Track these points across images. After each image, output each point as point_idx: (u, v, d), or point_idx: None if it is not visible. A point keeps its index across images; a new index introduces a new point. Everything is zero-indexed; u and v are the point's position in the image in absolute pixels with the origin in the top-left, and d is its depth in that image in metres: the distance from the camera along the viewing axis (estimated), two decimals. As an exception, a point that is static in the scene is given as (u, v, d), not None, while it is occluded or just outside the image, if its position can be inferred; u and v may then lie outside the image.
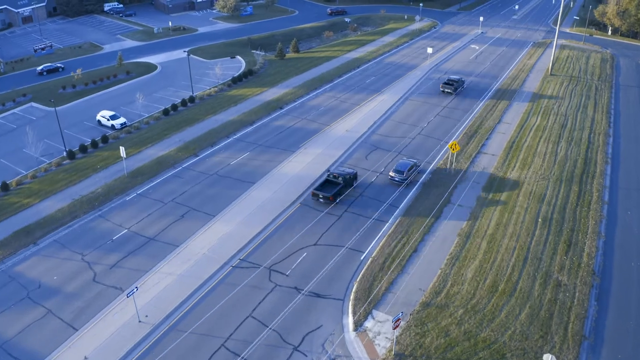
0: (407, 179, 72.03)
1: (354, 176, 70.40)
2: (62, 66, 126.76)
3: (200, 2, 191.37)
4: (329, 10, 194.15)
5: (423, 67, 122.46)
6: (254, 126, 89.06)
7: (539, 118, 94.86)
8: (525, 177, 73.81)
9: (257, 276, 54.40)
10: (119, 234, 61.35)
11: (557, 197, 69.40)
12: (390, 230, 61.58)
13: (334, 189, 66.92)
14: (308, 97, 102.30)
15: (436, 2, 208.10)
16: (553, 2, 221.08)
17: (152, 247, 58.63)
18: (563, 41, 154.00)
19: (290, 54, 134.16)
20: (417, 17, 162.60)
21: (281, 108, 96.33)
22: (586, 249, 59.76)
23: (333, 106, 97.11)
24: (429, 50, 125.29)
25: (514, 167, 76.89)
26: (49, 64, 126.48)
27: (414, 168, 73.70)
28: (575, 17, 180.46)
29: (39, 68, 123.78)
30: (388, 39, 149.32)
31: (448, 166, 74.31)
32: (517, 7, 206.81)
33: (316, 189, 67.27)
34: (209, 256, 57.00)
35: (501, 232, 61.69)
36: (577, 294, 53.17)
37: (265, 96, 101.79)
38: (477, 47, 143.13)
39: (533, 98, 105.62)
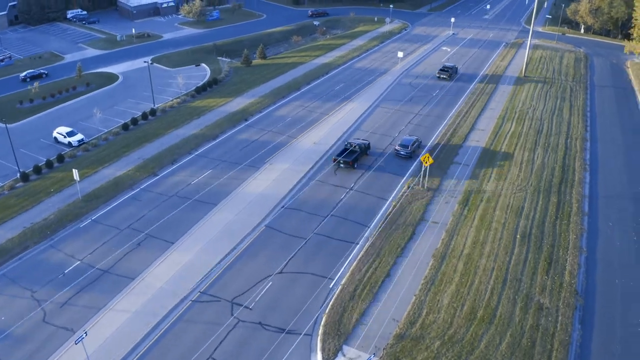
0: (411, 152, 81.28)
1: (368, 145, 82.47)
2: (46, 72, 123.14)
3: (165, 7, 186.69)
4: (309, 12, 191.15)
5: (394, 71, 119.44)
6: (218, 140, 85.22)
7: (514, 124, 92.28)
8: (502, 189, 70.87)
9: (219, 311, 50.64)
10: (71, 266, 57.23)
11: (536, 210, 66.53)
12: (360, 254, 58.21)
13: (353, 155, 77.34)
14: (275, 106, 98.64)
15: (406, 3, 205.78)
16: (526, 1, 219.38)
17: (106, 281, 54.66)
18: (536, 41, 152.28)
19: (257, 61, 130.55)
20: (387, 20, 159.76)
21: (246, 120, 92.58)
22: (568, 267, 57.07)
23: (301, 116, 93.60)
24: (400, 54, 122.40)
25: (490, 177, 73.96)
26: (32, 70, 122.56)
27: (417, 143, 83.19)
28: (547, 15, 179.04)
29: (22, 74, 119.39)
30: (358, 42, 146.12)
31: (421, 180, 70.32)
32: (488, 6, 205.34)
33: (337, 155, 78.47)
34: (166, 290, 53.13)
35: (478, 251, 58.63)
36: (560, 318, 50.40)
37: (230, 107, 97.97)
38: (449, 50, 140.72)
39: (507, 102, 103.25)
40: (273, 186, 71.44)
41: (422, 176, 72.03)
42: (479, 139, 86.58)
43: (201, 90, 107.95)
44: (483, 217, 64.87)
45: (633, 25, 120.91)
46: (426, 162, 69.50)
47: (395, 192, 71.23)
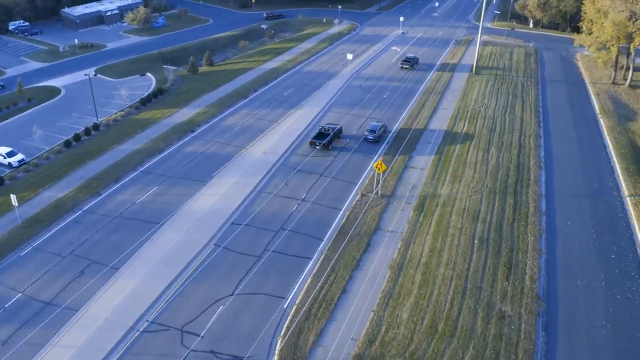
0: (379, 137, 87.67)
1: (340, 129, 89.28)
2: (2, 84, 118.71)
3: (110, 15, 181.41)
4: (265, 15, 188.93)
5: (343, 74, 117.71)
6: (163, 155, 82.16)
7: (467, 123, 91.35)
8: (457, 192, 69.58)
9: (168, 341, 48.00)
10: (12, 299, 53.72)
11: (492, 213, 65.34)
12: (315, 269, 56.20)
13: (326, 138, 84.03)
14: (222, 116, 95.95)
15: (355, 3, 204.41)
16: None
17: (49, 314, 51.53)
18: (485, 37, 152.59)
19: (204, 68, 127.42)
20: (336, 21, 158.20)
21: (193, 131, 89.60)
22: (528, 271, 55.89)
23: (249, 125, 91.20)
24: (349, 56, 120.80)
25: (445, 181, 72.66)
26: None
27: (383, 129, 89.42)
28: (496, 11, 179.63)
29: None
30: (306, 45, 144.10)
31: (375, 188, 68.43)
32: (437, 4, 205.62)
33: (313, 138, 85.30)
34: (112, 321, 50.13)
35: (436, 259, 57.05)
36: (523, 326, 49.15)
37: (176, 118, 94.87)
38: (399, 49, 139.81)
39: (459, 101, 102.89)
40: (222, 201, 68.67)
41: (375, 183, 69.67)
42: (431, 140, 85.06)
43: (146, 102, 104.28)
44: (439, 223, 63.28)
45: (582, 18, 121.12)
46: (379, 169, 67.46)
47: (348, 201, 69.47)
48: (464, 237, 61.20)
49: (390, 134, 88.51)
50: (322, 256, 58.56)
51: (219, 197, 70.09)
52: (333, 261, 57.43)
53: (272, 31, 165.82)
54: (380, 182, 70.14)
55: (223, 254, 59.26)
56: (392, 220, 64.39)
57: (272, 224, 64.37)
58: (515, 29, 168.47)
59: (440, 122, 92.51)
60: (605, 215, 67.35)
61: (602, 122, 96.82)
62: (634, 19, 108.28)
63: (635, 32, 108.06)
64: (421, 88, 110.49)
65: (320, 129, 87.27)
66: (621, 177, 77.22)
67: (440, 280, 54.58)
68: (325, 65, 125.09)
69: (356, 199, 69.27)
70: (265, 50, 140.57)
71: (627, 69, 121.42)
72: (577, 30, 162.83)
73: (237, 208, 67.71)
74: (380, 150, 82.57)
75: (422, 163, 78.09)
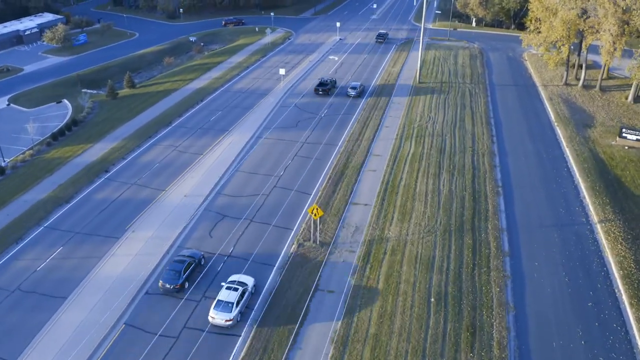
0: (362, 92, 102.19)
1: (335, 81, 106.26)
2: None
3: (28, 34, 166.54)
4: (223, 22, 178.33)
5: (277, 91, 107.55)
6: (72, 204, 70.99)
7: (413, 143, 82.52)
8: (408, 233, 60.24)
9: None
10: None
11: (449, 258, 56.40)
12: (244, 350, 45.36)
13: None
14: (140, 150, 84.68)
15: (289, 8, 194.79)
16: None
17: None
18: (427, 39, 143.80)
19: (124, 91, 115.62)
20: (268, 31, 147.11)
21: (107, 171, 78.58)
22: (495, 335, 47.33)
23: (170, 160, 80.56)
24: (281, 71, 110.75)
25: (392, 219, 63.42)
26: None
27: (362, 87, 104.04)
28: (436, 11, 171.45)
29: None
30: (237, 58, 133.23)
31: (312, 235, 58.23)
32: (375, 5, 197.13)
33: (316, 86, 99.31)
34: None
35: (387, 328, 48.07)
36: (495, 416, 38.70)
37: (89, 155, 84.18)
38: (337, 58, 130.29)
39: (404, 117, 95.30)
40: (134, 264, 58.04)
41: (312, 230, 59.42)
42: (377, 167, 76.12)
43: (58, 136, 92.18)
44: (389, 278, 53.87)
45: (529, 17, 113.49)
46: (315, 215, 57.27)
47: (282, 253, 61.02)
48: (418, 294, 51.78)
49: (330, 160, 78.90)
50: (253, 333, 47.81)
51: (131, 258, 59.31)
52: (265, 338, 47.21)
53: (202, 44, 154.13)
54: (318, 228, 59.39)
55: (135, 336, 49.00)
56: (333, 276, 55.21)
57: (192, 291, 53.24)
58: (458, 29, 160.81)
59: (384, 144, 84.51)
60: (576, 250, 59.31)
61: (560, 132, 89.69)
62: (585, 16, 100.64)
63: (587, 30, 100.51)
64: (362, 103, 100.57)
65: (321, 80, 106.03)
66: (587, 199, 69.92)
67: (393, 356, 44.64)
68: (258, 82, 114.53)
69: (292, 249, 58.79)
70: (192, 67, 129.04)
71: (580, 67, 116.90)
72: (522, 27, 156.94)
73: (152, 272, 57.24)
74: (317, 185, 71.66)
75: (367, 197, 68.62)
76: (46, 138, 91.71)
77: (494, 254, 57.83)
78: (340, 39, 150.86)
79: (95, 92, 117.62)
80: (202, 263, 58.16)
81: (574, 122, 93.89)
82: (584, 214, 67.08)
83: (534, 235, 61.97)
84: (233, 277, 53.89)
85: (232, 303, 49.69)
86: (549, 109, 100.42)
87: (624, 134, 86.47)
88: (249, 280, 53.24)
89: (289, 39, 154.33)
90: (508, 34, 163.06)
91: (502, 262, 57.11)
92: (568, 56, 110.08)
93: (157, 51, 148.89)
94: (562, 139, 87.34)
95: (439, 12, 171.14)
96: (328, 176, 74.58)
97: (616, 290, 53.93)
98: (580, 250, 59.72)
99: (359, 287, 53.50)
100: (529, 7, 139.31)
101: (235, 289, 51.03)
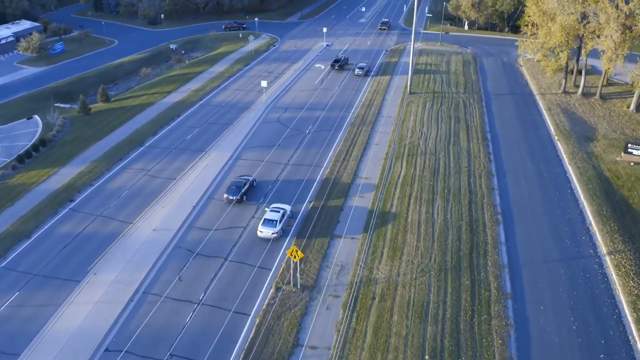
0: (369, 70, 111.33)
1: (347, 59, 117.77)
2: None
3: (4, 43, 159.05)
4: (224, 26, 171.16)
5: (258, 105, 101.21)
6: (31, 240, 64.97)
7: (404, 164, 76.28)
8: (399, 274, 54.17)
9: None
10: None
11: (445, 305, 50.45)
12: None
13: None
14: (109, 175, 78.25)
15: (275, 12, 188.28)
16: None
17: None
18: (419, 44, 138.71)
19: (98, 105, 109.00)
20: (251, 37, 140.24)
21: (72, 200, 72.13)
22: (499, 402, 39.35)
23: (140, 186, 74.51)
24: (263, 83, 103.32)
25: (382, 256, 57.15)
26: None
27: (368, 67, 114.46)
28: (427, 14, 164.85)
29: None
30: (218, 68, 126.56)
31: (292, 279, 51.91)
32: (364, 9, 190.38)
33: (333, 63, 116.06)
34: None
35: (375, 395, 40.17)
36: None
37: (55, 182, 78.83)
38: (323, 67, 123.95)
39: (394, 133, 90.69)
40: (95, 314, 52.00)
41: (292, 273, 52.87)
42: (364, 193, 69.67)
43: (25, 158, 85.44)
44: (378, 329, 48.00)
45: (526, 22, 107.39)
46: (294, 257, 50.64)
47: (259, 300, 54.82)
48: (410, 351, 45.84)
49: (313, 187, 74.21)
50: None
51: (91, 306, 53.18)
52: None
53: (182, 51, 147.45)
54: (299, 270, 52.78)
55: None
56: (315, 328, 49.64)
57: (158, 346, 48.38)
58: (450, 33, 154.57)
59: (373, 166, 79.69)
60: (585, 290, 53.83)
61: (561, 147, 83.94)
62: (585, 21, 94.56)
63: (587, 35, 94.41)
64: (349, 117, 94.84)
65: (336, 57, 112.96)
66: (594, 226, 64.42)
67: None
68: (239, 94, 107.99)
69: (269, 294, 52.26)
70: (171, 78, 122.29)
71: (579, 73, 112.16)
72: (516, 30, 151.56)
73: (114, 324, 50.77)
74: (299, 214, 65.05)
75: (353, 229, 62.21)
76: (11, 161, 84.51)
77: (494, 297, 51.71)
78: (327, 45, 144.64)
79: (68, 106, 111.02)
80: (254, 185, 73.90)
81: (575, 135, 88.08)
82: (591, 244, 61.94)
83: (538, 272, 56.31)
84: (274, 205, 67.11)
85: (276, 220, 62.51)
86: (548, 121, 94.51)
87: (629, 150, 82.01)
88: (287, 207, 66.53)
89: (274, 46, 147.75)
90: (502, 37, 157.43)
91: (504, 306, 51.15)
92: (567, 63, 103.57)
93: (135, 60, 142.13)
94: (564, 155, 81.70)
95: (430, 15, 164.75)
96: (312, 203, 67.61)
97: (630, 338, 48.45)
98: (590, 289, 54.04)
99: (344, 342, 47.61)
100: (525, 12, 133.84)
101: (277, 211, 64.05)
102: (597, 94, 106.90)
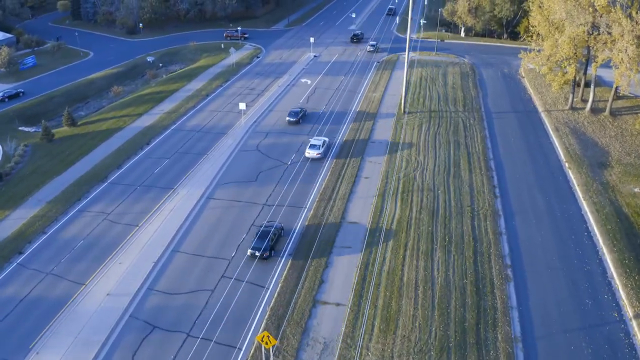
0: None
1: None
2: (23, 90, 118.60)
3: None
4: (225, 34, 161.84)
5: (237, 129, 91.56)
6: (-34, 306, 53.96)
7: (399, 204, 67.22)
8: (393, 355, 44.57)
9: None
10: None
11: (450, 401, 39.49)
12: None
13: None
14: (65, 219, 69.32)
15: (260, 20, 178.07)
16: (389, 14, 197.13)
17: None
18: (413, 54, 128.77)
19: (63, 129, 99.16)
20: (232, 50, 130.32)
21: (21, 253, 64.20)
22: None
23: (98, 235, 66.24)
24: (241, 106, 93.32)
25: (372, 329, 48.98)
26: (10, 89, 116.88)
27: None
28: (422, 20, 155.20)
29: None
30: (195, 85, 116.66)
31: None
32: (354, 15, 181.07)
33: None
34: None
35: None
36: None
37: (4, 229, 69.33)
38: (309, 82, 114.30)
39: (386, 162, 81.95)
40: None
41: (264, 356, 43.24)
42: (352, 242, 60.99)
43: (-25, 198, 74.87)
44: None
45: (531, 34, 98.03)
46: (267, 344, 40.82)
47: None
48: None
49: (293, 238, 65.26)
50: None
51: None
52: None
53: (160, 64, 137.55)
54: (272, 357, 42.91)
55: None
56: None
57: None
58: (446, 40, 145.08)
59: (363, 205, 71.07)
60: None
61: (572, 176, 75.74)
62: (595, 33, 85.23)
63: (598, 48, 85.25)
64: (337, 142, 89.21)
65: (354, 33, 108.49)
66: (617, 279, 57.29)
67: None
68: (216, 116, 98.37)
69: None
70: (143, 97, 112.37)
71: (586, 85, 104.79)
72: (515, 36, 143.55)
73: None
74: (276, 271, 55.50)
75: (340, 292, 54.41)
76: (-40, 200, 74.65)
77: (508, 388, 41.44)
78: (314, 56, 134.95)
79: (33, 130, 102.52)
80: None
81: (588, 162, 79.63)
82: (615, 304, 54.19)
83: (557, 345, 48.48)
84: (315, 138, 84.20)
85: (319, 145, 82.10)
86: (557, 144, 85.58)
87: None
88: (325, 138, 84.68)
89: (257, 58, 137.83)
90: (501, 44, 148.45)
91: (521, 400, 40.67)
92: (575, 77, 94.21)
93: (109, 75, 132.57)
94: (577, 188, 72.99)
95: (425, 21, 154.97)
96: (291, 259, 58.04)
97: None
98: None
99: None
100: (526, 18, 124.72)
101: (319, 139, 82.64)
102: (607, 109, 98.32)
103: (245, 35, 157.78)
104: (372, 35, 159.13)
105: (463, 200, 69.55)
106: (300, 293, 54.40)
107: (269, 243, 60.22)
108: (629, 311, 51.92)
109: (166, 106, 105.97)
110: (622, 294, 54.39)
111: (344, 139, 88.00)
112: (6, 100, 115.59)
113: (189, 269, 58.51)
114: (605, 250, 60.97)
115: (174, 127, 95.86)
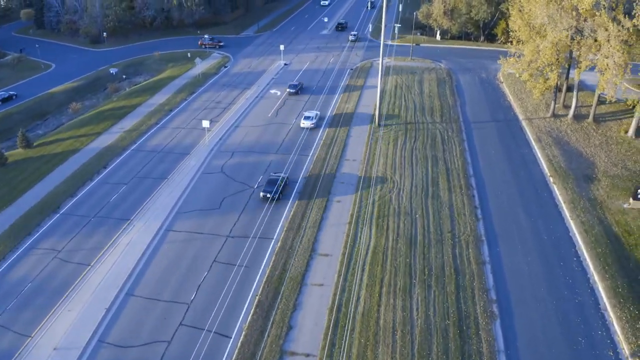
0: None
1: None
2: (15, 93, 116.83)
3: None
4: (199, 42, 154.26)
5: (200, 148, 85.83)
6: None
7: (374, 231, 62.76)
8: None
9: None
10: None
11: None
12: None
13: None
14: (13, 258, 64.63)
15: (229, 26, 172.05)
16: (368, 8, 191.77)
17: None
18: (387, 60, 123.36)
19: (17, 152, 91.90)
20: (198, 60, 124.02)
21: (-42, 298, 55.38)
22: None
23: (46, 277, 61.14)
24: (205, 124, 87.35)
25: (346, 385, 41.36)
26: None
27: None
28: (396, 24, 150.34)
29: None
30: (159, 98, 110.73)
31: None
32: (326, 19, 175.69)
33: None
34: None
35: None
36: None
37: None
38: (279, 93, 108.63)
39: (359, 185, 76.78)
40: None
41: None
42: (323, 279, 56.95)
43: None
44: None
45: (511, 39, 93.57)
46: None
47: None
48: None
49: (261, 269, 60.65)
50: None
51: None
52: None
53: (123, 76, 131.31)
54: None
55: None
56: None
57: None
58: (422, 44, 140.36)
59: (334, 233, 66.31)
60: None
61: (558, 192, 72.14)
62: (579, 37, 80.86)
63: (581, 54, 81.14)
64: (307, 161, 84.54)
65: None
66: (610, 312, 53.40)
67: None
68: (179, 134, 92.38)
69: None
70: (103, 114, 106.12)
71: (568, 90, 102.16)
72: (492, 39, 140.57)
73: None
74: (240, 318, 54.50)
75: (309, 338, 50.91)
76: None
77: None
78: (285, 64, 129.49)
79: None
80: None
81: (573, 175, 75.80)
82: (610, 341, 50.31)
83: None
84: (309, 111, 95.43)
85: (313, 117, 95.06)
86: (540, 156, 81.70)
87: None
88: (317, 112, 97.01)
89: (225, 67, 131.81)
90: (477, 48, 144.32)
91: None
92: (557, 84, 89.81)
93: (70, 89, 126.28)
94: (563, 205, 69.27)
95: (399, 25, 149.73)
96: (256, 301, 53.55)
97: None
98: None
99: None
100: (503, 21, 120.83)
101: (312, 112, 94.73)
102: (591, 116, 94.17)
103: (221, 44, 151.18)
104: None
105: (443, 225, 64.48)
106: (266, 343, 48.57)
107: (278, 189, 69.92)
108: (624, 348, 48.02)
109: (127, 123, 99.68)
110: (616, 328, 50.23)
111: (315, 157, 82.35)
112: None
113: (144, 315, 53.17)
114: (596, 278, 56.53)
115: (134, 147, 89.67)
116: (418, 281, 55.89)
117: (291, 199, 71.84)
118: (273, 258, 60.53)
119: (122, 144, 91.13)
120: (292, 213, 68.52)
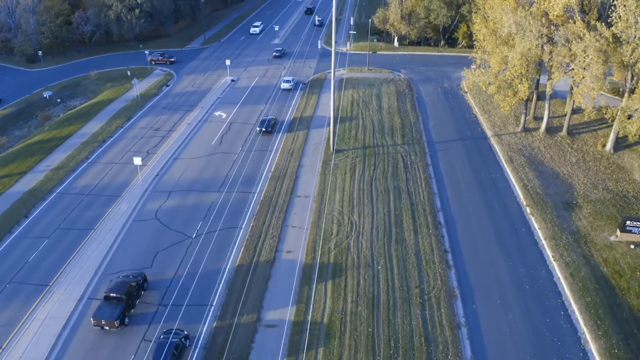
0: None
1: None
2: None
3: None
4: (149, 58, 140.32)
5: (134, 188, 76.41)
6: None
7: (329, 290, 55.53)
8: None
9: None
10: None
11: None
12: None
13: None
14: None
15: (173, 38, 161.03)
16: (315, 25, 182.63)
17: None
18: (342, 72, 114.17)
19: None
20: (135, 81, 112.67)
21: None
22: None
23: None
24: (137, 161, 76.69)
25: None
26: None
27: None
28: (351, 31, 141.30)
29: None
30: (92, 127, 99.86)
31: None
32: (277, 28, 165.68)
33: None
34: None
35: None
36: None
37: None
38: (224, 115, 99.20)
39: (312, 226, 67.84)
40: None
41: None
42: (269, 356, 43.89)
43: None
44: None
45: (475, 49, 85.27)
46: None
47: None
48: None
49: (198, 333, 50.82)
50: None
51: None
52: None
53: (58, 100, 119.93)
54: None
55: None
56: None
57: None
58: (379, 52, 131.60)
59: (284, 298, 56.90)
60: None
61: (537, 226, 66.23)
62: (550, 46, 73.04)
63: (553, 64, 78.49)
64: (254, 199, 75.04)
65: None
66: None
67: None
68: (111, 170, 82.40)
69: None
70: (32, 148, 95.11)
71: (539, 99, 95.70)
72: (453, 43, 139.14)
73: None
74: None
75: None
76: None
77: None
78: (232, 80, 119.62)
79: None
80: None
81: (551, 202, 69.59)
82: None
83: None
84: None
85: (290, 81, 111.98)
86: (513, 180, 74.72)
87: (628, 227, 63.37)
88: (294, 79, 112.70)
89: (167, 86, 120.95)
90: (439, 53, 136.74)
91: None
92: (527, 98, 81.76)
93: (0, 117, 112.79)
94: (544, 243, 62.53)
95: (354, 32, 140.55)
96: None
97: None
98: None
99: None
100: (468, 28, 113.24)
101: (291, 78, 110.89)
102: (564, 129, 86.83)
103: (172, 59, 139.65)
104: (296, 50, 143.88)
105: (409, 278, 55.66)
106: None
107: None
108: None
109: (55, 159, 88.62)
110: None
111: (262, 193, 72.93)
112: None
113: None
114: (588, 337, 49.38)
115: (60, 189, 79.13)
116: (382, 358, 45.92)
117: (235, 245, 61.67)
118: (214, 325, 50.36)
119: (47, 186, 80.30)
120: (234, 269, 58.90)
